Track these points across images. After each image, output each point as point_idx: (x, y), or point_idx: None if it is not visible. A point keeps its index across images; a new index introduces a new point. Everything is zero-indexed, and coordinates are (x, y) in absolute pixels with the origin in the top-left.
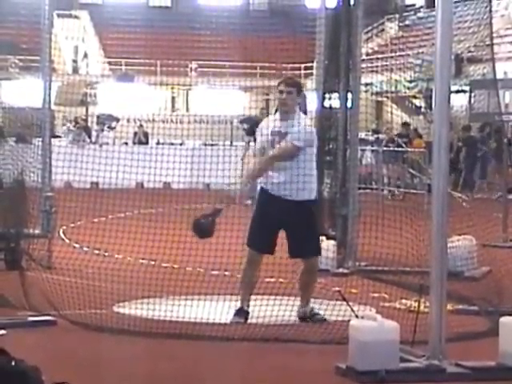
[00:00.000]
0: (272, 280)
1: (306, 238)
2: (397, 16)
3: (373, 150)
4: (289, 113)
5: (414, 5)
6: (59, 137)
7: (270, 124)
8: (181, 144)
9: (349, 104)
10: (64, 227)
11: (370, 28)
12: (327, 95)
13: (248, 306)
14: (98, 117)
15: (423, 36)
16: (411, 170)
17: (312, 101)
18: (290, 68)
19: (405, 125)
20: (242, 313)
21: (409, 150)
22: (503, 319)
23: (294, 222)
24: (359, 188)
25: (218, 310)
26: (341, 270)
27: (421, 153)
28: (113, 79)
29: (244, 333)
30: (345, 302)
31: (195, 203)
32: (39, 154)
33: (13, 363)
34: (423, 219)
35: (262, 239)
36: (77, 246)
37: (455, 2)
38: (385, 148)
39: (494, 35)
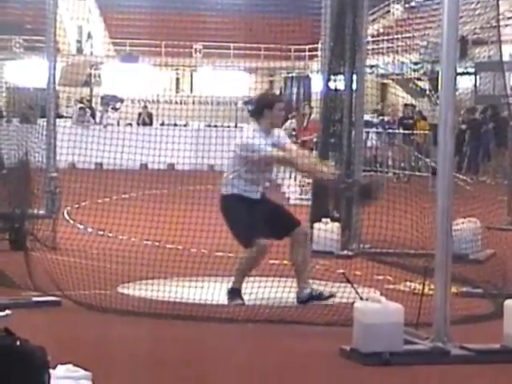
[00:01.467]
0: (276, 262)
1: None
2: None
3: (377, 132)
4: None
5: None
6: (63, 117)
7: (261, 135)
8: (185, 125)
9: (354, 86)
10: (68, 208)
11: (375, 9)
12: (332, 77)
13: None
14: (102, 98)
15: (429, 18)
16: (416, 153)
17: (317, 83)
18: (294, 50)
19: (407, 106)
20: (239, 293)
21: (412, 132)
22: (508, 302)
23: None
24: (364, 170)
25: (223, 292)
26: (345, 252)
27: (425, 135)
28: (117, 60)
29: (248, 314)
30: (349, 284)
31: (199, 184)
32: (44, 135)
33: (18, 343)
34: (428, 202)
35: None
36: (81, 226)
37: None
38: (390, 130)
39: (500, 17)
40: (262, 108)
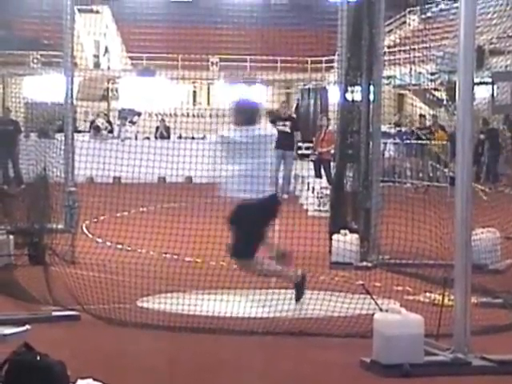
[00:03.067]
0: None
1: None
2: (418, 8)
3: (395, 143)
4: None
5: None
6: (81, 131)
7: None
8: (202, 138)
9: (371, 97)
10: (87, 222)
11: (391, 20)
12: (349, 88)
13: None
14: (119, 112)
15: (445, 28)
16: (433, 163)
17: (334, 94)
18: (311, 61)
19: (421, 117)
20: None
21: (430, 142)
22: None
23: None
24: (382, 181)
25: (241, 304)
26: (364, 264)
27: (443, 145)
28: (134, 74)
29: (268, 326)
30: (369, 296)
31: (217, 197)
32: (62, 149)
33: (38, 358)
34: (446, 212)
35: None
36: (100, 240)
37: None
38: (407, 141)
39: None
40: None
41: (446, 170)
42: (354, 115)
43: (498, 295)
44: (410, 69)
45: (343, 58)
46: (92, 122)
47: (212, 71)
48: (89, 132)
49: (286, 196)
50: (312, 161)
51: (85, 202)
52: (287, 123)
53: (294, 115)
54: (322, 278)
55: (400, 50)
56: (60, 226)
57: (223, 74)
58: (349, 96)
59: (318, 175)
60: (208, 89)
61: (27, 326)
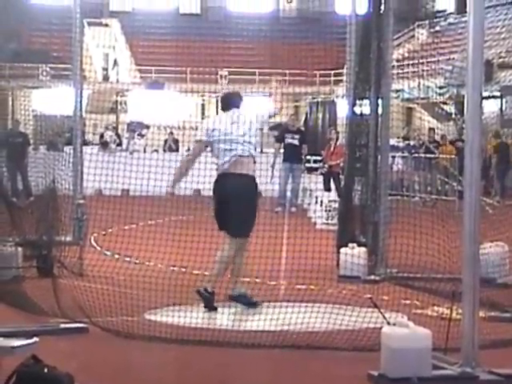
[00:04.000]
0: (303, 287)
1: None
2: (427, 22)
3: (403, 157)
4: None
5: (444, 11)
6: (90, 144)
7: None
8: (211, 151)
9: (379, 110)
10: (95, 234)
11: (400, 34)
12: (358, 102)
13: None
14: (128, 124)
15: (453, 42)
16: (442, 177)
17: (342, 107)
18: (320, 75)
19: (431, 130)
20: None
21: (439, 156)
22: None
23: None
24: (390, 194)
25: (249, 317)
26: (372, 277)
27: (451, 159)
28: (143, 87)
29: (275, 340)
30: (376, 309)
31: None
32: (70, 162)
33: (45, 370)
34: (455, 226)
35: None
36: (108, 253)
37: (486, 7)
38: (415, 155)
39: None
40: None
41: (454, 184)
42: (362, 129)
43: (506, 309)
44: (419, 82)
45: (352, 72)
46: (101, 136)
47: (221, 84)
48: (97, 145)
49: (294, 209)
50: (321, 174)
51: (93, 214)
52: (296, 136)
53: (303, 128)
54: (329, 292)
55: (408, 64)
56: (68, 239)
57: (232, 87)
58: (357, 109)
59: (327, 188)
60: (217, 102)
61: (35, 339)
